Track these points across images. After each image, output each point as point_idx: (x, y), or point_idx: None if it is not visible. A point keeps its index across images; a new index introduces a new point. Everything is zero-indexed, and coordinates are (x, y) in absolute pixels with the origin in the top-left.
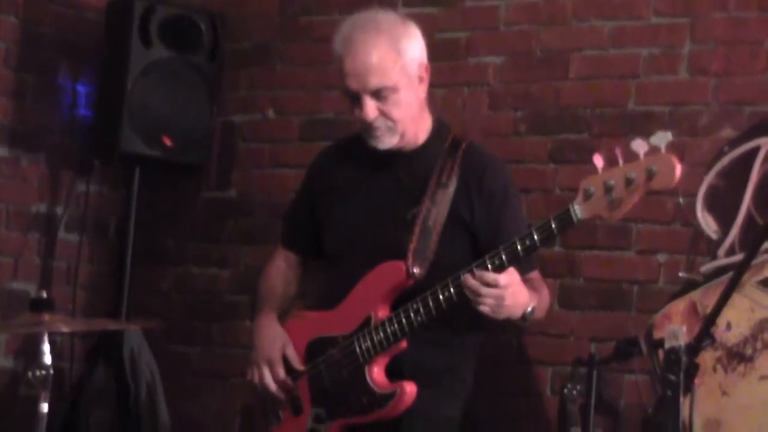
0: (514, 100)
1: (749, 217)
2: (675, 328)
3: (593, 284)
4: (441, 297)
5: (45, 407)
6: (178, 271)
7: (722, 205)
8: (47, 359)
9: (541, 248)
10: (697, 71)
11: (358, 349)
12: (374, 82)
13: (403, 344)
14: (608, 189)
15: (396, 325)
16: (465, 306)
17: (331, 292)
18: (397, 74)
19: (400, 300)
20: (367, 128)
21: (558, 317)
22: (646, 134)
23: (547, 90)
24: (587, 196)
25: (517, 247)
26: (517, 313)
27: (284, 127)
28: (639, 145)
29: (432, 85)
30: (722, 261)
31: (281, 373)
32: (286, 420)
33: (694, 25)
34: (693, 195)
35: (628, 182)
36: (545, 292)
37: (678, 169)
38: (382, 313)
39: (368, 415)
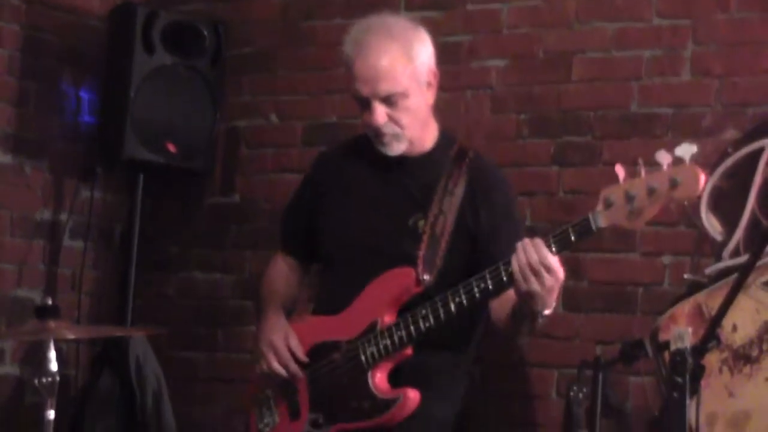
0: (517, 103)
1: (754, 218)
2: (680, 330)
3: (598, 287)
4: (452, 303)
5: (51, 414)
6: (182, 277)
7: (727, 207)
8: (53, 366)
9: (558, 255)
10: (699, 72)
11: (362, 355)
12: (384, 87)
13: (409, 351)
14: (630, 198)
15: (403, 331)
16: (469, 310)
17: (331, 297)
18: (407, 80)
19: (407, 307)
20: (375, 134)
21: (563, 320)
22: (650, 136)
23: (549, 92)
24: (608, 205)
25: (550, 243)
26: (542, 309)
27: (287, 132)
28: (663, 156)
29: None
30: (727, 262)
31: (285, 355)
32: (281, 423)
33: (696, 27)
34: (697, 197)
35: (651, 192)
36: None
37: (702, 180)
38: (389, 318)
39: (369, 421)
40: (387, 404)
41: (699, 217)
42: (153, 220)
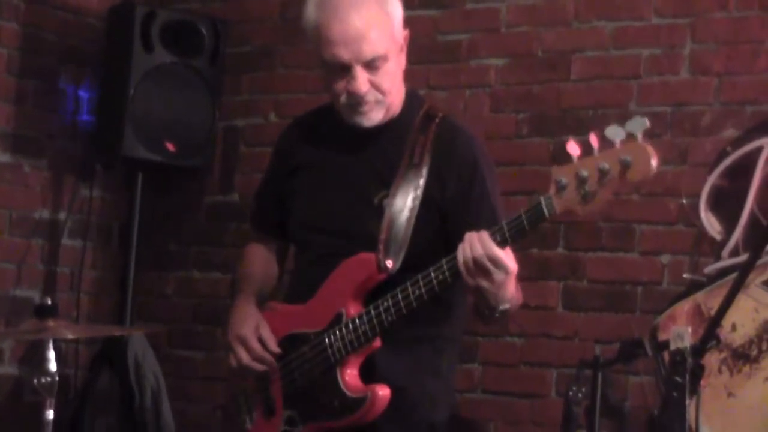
0: (515, 101)
1: (753, 218)
2: (680, 329)
3: (597, 286)
4: (411, 295)
5: (50, 414)
6: (181, 276)
7: (726, 206)
8: (52, 366)
9: (513, 244)
10: (698, 71)
11: (329, 349)
12: (369, 50)
13: (377, 343)
14: (581, 181)
15: (366, 325)
16: (438, 300)
17: (302, 282)
18: (388, 41)
19: (376, 293)
20: (357, 103)
21: (562, 319)
22: (649, 135)
23: (548, 91)
24: (560, 188)
25: (496, 234)
26: (497, 304)
27: None
28: (614, 132)
29: (434, 88)
30: (726, 262)
31: (256, 347)
32: (258, 422)
33: (694, 25)
34: (696, 195)
35: (602, 174)
36: (519, 288)
37: (654, 160)
38: (354, 309)
39: (339, 420)
40: (356, 402)
41: (698, 216)
42: (152, 219)
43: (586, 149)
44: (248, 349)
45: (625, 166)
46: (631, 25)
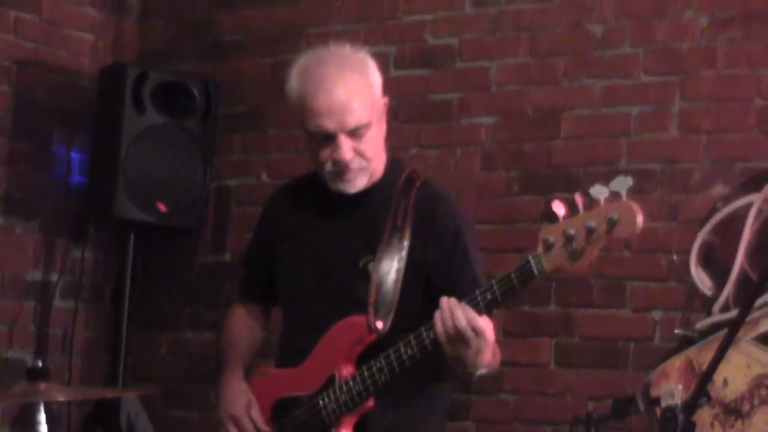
0: (507, 159)
1: (743, 273)
2: (671, 386)
3: (589, 342)
4: (404, 355)
5: None
6: (173, 336)
7: (716, 262)
8: (43, 429)
9: (503, 303)
10: (687, 128)
11: (323, 411)
12: (353, 120)
13: (370, 403)
14: (569, 239)
15: (360, 386)
16: (429, 359)
17: (292, 346)
18: (370, 110)
19: (366, 354)
20: (341, 171)
21: (554, 376)
22: (640, 192)
23: (539, 149)
24: (547, 246)
25: (478, 301)
26: (475, 368)
27: None
28: (598, 192)
29: (425, 146)
30: (717, 317)
31: (248, 428)
32: None
33: (683, 83)
34: (687, 252)
35: (589, 232)
36: (497, 351)
37: (640, 217)
38: (346, 371)
39: None
40: None
41: (689, 273)
42: (144, 279)
43: (572, 208)
44: (240, 429)
45: (611, 224)
46: (620, 83)
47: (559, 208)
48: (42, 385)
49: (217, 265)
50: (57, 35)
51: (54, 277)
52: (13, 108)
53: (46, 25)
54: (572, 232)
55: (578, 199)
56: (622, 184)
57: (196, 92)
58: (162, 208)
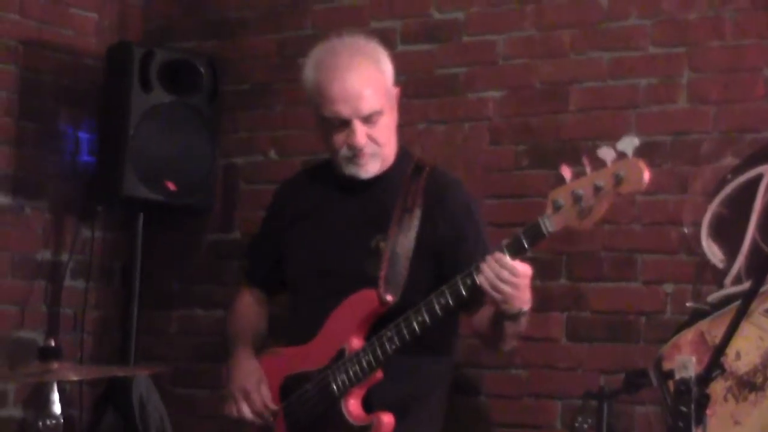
0: (514, 134)
1: (755, 245)
2: (684, 358)
3: (600, 316)
4: (414, 323)
5: None
6: (183, 314)
7: (727, 234)
8: (57, 408)
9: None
10: (696, 100)
11: (333, 383)
12: (367, 106)
13: (379, 374)
14: (577, 198)
15: (370, 355)
16: (435, 331)
17: (301, 324)
18: (383, 97)
19: (373, 329)
20: (355, 155)
21: (566, 350)
22: (649, 164)
23: (547, 123)
24: (556, 207)
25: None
26: (521, 307)
27: (286, 167)
28: (606, 153)
29: (432, 121)
30: (729, 290)
31: (258, 401)
32: None
33: (691, 54)
34: (698, 224)
35: (597, 190)
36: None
37: (646, 173)
38: (356, 344)
39: None
40: (362, 430)
41: (700, 245)
42: (154, 258)
43: (580, 172)
44: (250, 403)
45: (618, 180)
46: (627, 55)
47: (566, 171)
48: (55, 365)
49: (226, 242)
50: (62, 14)
51: (64, 257)
52: (19, 88)
53: (50, 4)
54: (580, 192)
55: (586, 162)
56: (629, 144)
57: (202, 70)
58: (171, 186)
